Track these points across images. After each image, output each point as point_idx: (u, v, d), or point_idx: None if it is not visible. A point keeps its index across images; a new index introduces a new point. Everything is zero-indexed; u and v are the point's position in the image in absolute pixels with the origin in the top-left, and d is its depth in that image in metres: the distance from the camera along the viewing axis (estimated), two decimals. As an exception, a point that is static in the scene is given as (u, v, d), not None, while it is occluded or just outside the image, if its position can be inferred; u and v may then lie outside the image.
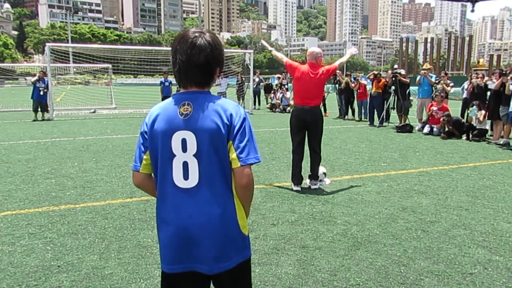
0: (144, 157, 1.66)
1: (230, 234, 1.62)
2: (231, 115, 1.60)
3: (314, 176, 5.42)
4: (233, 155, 1.59)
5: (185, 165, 1.59)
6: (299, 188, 5.26)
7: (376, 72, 13.50)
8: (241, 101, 18.81)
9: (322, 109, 16.02)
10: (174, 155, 1.60)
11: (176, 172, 1.60)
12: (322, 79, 5.24)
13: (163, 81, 16.64)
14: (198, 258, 1.60)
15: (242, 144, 1.59)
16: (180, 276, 1.63)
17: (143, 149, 1.67)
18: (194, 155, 1.58)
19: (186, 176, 1.59)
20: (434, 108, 10.88)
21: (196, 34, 1.61)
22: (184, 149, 1.59)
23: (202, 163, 1.58)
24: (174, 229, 1.61)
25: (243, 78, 19.77)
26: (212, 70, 1.64)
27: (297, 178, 5.32)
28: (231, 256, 1.63)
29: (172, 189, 1.61)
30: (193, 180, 1.59)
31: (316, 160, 5.40)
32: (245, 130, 1.61)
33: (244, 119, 1.62)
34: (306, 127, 5.28)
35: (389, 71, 13.26)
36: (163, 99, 16.12)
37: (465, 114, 11.27)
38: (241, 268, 1.67)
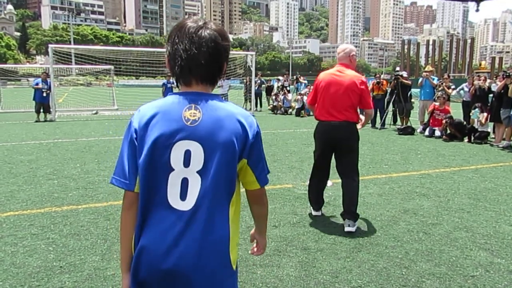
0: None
1: (221, 273, 1.33)
2: (245, 128, 1.33)
3: (351, 213, 3.97)
4: (250, 177, 1.38)
5: (185, 182, 1.30)
6: (319, 213, 4.39)
7: (376, 81, 13.31)
8: (247, 102, 18.80)
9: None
10: (172, 169, 1.29)
11: (172, 190, 1.30)
12: (362, 89, 4.01)
13: (165, 82, 16.48)
14: None
15: (260, 164, 1.38)
16: None
17: (133, 161, 1.33)
18: (198, 172, 1.29)
19: (184, 196, 1.29)
20: (437, 110, 10.88)
21: (200, 24, 1.33)
22: (187, 163, 1.29)
23: (207, 181, 1.29)
24: (156, 259, 1.29)
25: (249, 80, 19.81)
26: (221, 65, 1.37)
27: (317, 202, 4.42)
28: None
29: (164, 210, 1.30)
30: (190, 202, 1.29)
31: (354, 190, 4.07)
32: (261, 146, 1.39)
33: (258, 132, 1.38)
34: (334, 146, 4.11)
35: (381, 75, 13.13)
36: None
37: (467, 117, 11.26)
38: None
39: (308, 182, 4.43)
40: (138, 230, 1.34)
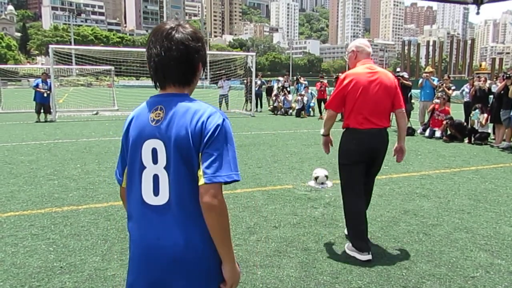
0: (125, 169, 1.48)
1: (198, 264, 1.37)
2: (203, 122, 1.34)
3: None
4: (200, 170, 1.33)
5: (156, 178, 1.38)
6: (370, 257, 3.33)
7: None
8: (248, 103, 18.80)
9: (324, 111, 16.09)
10: (144, 167, 1.39)
11: (146, 186, 1.39)
12: (397, 87, 3.54)
13: None
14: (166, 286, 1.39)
15: (211, 158, 1.31)
16: None
17: (122, 161, 1.51)
18: (164, 168, 1.37)
19: (156, 192, 1.38)
20: (437, 111, 10.88)
21: (173, 25, 1.39)
22: (155, 160, 1.38)
23: (172, 177, 1.35)
24: (140, 251, 1.41)
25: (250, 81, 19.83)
26: (195, 66, 1.41)
27: (366, 240, 3.44)
28: (202, 285, 1.39)
29: (140, 205, 1.40)
30: (164, 196, 1.37)
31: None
32: (218, 140, 1.33)
33: (218, 126, 1.34)
34: (370, 159, 3.50)
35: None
36: None
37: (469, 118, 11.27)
38: None
39: (346, 208, 3.54)
40: (127, 222, 1.50)
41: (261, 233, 3.88)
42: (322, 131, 3.71)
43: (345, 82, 3.39)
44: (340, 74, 16.14)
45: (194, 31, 1.41)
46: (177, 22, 1.42)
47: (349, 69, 3.60)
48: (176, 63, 1.37)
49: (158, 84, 1.43)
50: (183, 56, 1.37)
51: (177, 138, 1.33)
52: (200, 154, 1.34)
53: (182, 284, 1.38)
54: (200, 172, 1.32)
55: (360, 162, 3.45)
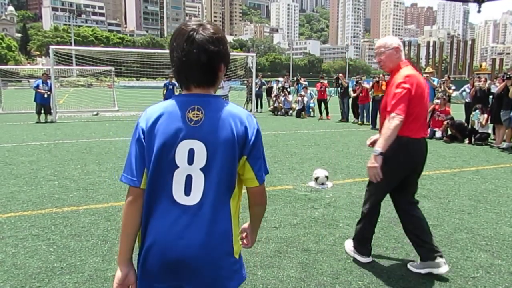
0: (145, 169, 1.41)
1: (225, 261, 1.43)
2: (245, 126, 1.40)
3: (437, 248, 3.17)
4: (249, 173, 1.43)
5: (189, 178, 1.38)
6: (371, 259, 3.36)
7: (376, 80, 13.34)
8: (249, 103, 18.80)
9: (325, 112, 16.12)
10: (177, 167, 1.38)
11: (177, 186, 1.38)
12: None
13: (167, 83, 16.41)
14: (187, 284, 1.41)
15: (259, 162, 1.44)
16: None
17: (141, 160, 1.41)
18: (201, 169, 1.37)
19: (188, 192, 1.38)
20: (437, 111, 10.88)
21: (194, 27, 1.38)
22: (191, 161, 1.37)
23: (210, 178, 1.37)
24: (163, 250, 1.38)
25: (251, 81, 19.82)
26: (216, 68, 1.41)
27: (369, 247, 3.38)
28: (225, 284, 1.43)
29: (169, 205, 1.39)
30: (196, 196, 1.38)
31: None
32: (259, 143, 1.44)
33: (258, 131, 1.44)
34: (415, 170, 3.22)
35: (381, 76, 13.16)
36: None
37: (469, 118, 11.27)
38: None
39: (368, 209, 3.28)
40: (144, 224, 1.44)
41: (261, 234, 3.88)
42: (379, 148, 2.88)
43: (409, 84, 2.94)
44: (340, 74, 16.25)
45: (214, 32, 1.39)
46: (199, 23, 1.40)
47: (384, 67, 3.17)
48: (197, 67, 1.38)
49: (181, 85, 1.45)
50: (203, 60, 1.37)
51: (225, 141, 1.37)
52: (245, 157, 1.42)
53: (195, 283, 1.41)
54: (251, 176, 1.44)
55: (403, 175, 3.13)
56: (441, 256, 3.06)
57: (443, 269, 3.04)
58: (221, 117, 1.38)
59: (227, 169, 1.38)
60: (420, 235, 3.11)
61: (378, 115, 12.85)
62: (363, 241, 3.33)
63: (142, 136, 1.40)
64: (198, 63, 1.37)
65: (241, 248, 1.53)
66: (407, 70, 3.06)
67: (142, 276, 1.45)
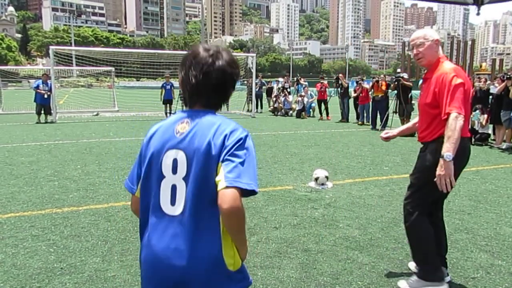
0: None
1: (216, 273, 1.40)
2: (225, 134, 1.38)
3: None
4: (219, 176, 1.34)
5: (174, 188, 1.41)
6: (449, 278, 3.04)
7: (376, 80, 13.34)
8: (249, 104, 18.79)
9: (325, 112, 16.12)
10: (164, 176, 1.43)
11: (164, 195, 1.42)
12: None
13: (164, 84, 16.19)
14: None
15: (232, 164, 1.33)
16: None
17: (138, 170, 1.51)
18: (183, 178, 1.40)
19: (173, 202, 1.41)
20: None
21: (212, 53, 1.44)
22: (174, 170, 1.41)
23: (190, 187, 1.38)
24: (154, 261, 1.42)
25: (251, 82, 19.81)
26: (228, 93, 1.50)
27: (441, 269, 2.95)
28: None
29: (157, 214, 1.43)
30: (179, 206, 1.40)
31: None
32: (240, 150, 1.36)
33: (241, 139, 1.38)
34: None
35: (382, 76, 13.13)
36: (164, 102, 16.09)
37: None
38: None
39: (418, 232, 2.91)
40: (140, 231, 1.52)
41: (262, 234, 3.88)
42: (450, 153, 2.57)
43: (460, 80, 2.67)
44: (340, 75, 16.25)
45: (232, 58, 1.48)
46: (216, 49, 1.47)
47: (422, 60, 2.89)
48: (212, 89, 1.45)
49: (188, 104, 1.50)
50: (221, 84, 1.45)
51: (199, 149, 1.38)
52: (220, 163, 1.35)
53: None
54: (220, 177, 1.32)
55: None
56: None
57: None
58: (203, 127, 1.41)
59: (202, 176, 1.36)
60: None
61: (378, 115, 12.96)
62: (434, 261, 2.87)
63: (142, 149, 1.51)
64: (215, 86, 1.44)
65: (238, 260, 1.46)
66: (449, 64, 2.83)
67: None
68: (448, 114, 2.61)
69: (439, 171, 2.60)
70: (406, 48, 64.71)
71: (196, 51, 1.47)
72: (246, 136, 1.41)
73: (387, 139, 3.21)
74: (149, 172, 1.46)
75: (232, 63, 1.47)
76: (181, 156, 1.40)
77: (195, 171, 1.37)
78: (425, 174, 2.80)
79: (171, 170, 1.41)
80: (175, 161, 1.41)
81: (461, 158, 2.74)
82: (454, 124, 2.58)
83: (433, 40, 2.84)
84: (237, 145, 1.37)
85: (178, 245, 1.38)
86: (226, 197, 1.29)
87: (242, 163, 1.34)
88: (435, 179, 2.64)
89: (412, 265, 3.17)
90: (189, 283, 1.38)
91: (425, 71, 2.97)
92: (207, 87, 1.43)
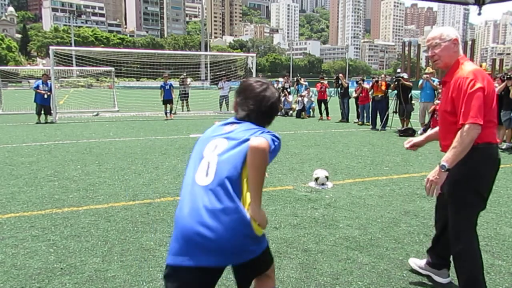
0: None
1: (241, 230, 1.72)
2: (261, 132, 1.82)
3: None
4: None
5: (208, 164, 1.79)
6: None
7: (375, 80, 13.36)
8: None
9: (325, 113, 16.11)
10: (203, 157, 1.82)
11: (200, 170, 1.80)
12: None
13: (163, 84, 16.11)
14: (207, 252, 1.70)
15: (260, 134, 1.80)
16: (183, 269, 1.71)
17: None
18: (218, 154, 1.78)
19: (206, 173, 1.77)
20: (438, 112, 10.89)
21: (264, 87, 1.93)
22: (213, 150, 1.82)
23: (222, 162, 1.76)
24: (186, 223, 1.73)
25: None
26: (272, 118, 1.98)
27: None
28: (241, 254, 1.75)
29: (193, 186, 1.79)
30: (211, 176, 1.75)
31: None
32: (268, 137, 1.79)
33: (274, 134, 1.83)
34: None
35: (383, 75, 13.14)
36: (163, 102, 16.07)
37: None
38: (258, 259, 1.80)
39: (468, 255, 2.61)
40: (180, 201, 1.86)
41: (262, 234, 3.88)
42: (447, 164, 2.44)
43: (479, 85, 2.44)
44: (340, 75, 16.24)
45: (275, 91, 1.97)
46: (265, 86, 1.95)
47: (438, 62, 2.69)
48: (262, 114, 1.92)
49: (240, 118, 1.93)
50: (269, 111, 1.94)
51: (238, 138, 1.80)
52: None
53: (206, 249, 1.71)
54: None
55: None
56: (448, 269, 2.98)
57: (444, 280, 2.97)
58: (248, 130, 1.84)
59: (237, 159, 1.75)
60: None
61: (378, 115, 12.95)
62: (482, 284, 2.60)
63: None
64: (264, 113, 1.93)
65: (261, 230, 1.80)
66: (469, 65, 2.58)
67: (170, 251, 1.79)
68: (462, 124, 2.43)
69: (431, 176, 2.48)
70: (406, 48, 64.70)
71: (249, 83, 1.96)
72: (276, 143, 1.83)
73: (412, 147, 3.01)
74: (193, 156, 1.88)
75: (276, 95, 1.95)
76: (222, 142, 1.81)
77: (233, 152, 1.76)
78: (457, 189, 2.57)
79: (211, 151, 1.81)
80: (215, 145, 1.82)
81: (486, 167, 2.54)
82: (465, 136, 2.40)
83: (451, 40, 2.62)
84: (265, 136, 1.79)
85: (210, 206, 1.71)
86: (256, 139, 1.71)
87: (267, 134, 1.81)
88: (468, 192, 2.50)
89: (412, 262, 3.17)
90: (217, 240, 1.71)
91: (443, 73, 2.74)
92: (258, 112, 1.91)
